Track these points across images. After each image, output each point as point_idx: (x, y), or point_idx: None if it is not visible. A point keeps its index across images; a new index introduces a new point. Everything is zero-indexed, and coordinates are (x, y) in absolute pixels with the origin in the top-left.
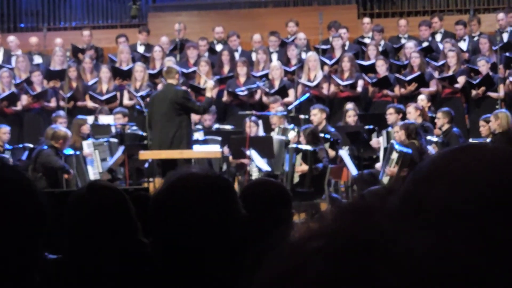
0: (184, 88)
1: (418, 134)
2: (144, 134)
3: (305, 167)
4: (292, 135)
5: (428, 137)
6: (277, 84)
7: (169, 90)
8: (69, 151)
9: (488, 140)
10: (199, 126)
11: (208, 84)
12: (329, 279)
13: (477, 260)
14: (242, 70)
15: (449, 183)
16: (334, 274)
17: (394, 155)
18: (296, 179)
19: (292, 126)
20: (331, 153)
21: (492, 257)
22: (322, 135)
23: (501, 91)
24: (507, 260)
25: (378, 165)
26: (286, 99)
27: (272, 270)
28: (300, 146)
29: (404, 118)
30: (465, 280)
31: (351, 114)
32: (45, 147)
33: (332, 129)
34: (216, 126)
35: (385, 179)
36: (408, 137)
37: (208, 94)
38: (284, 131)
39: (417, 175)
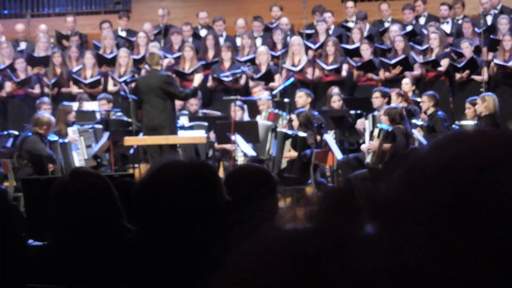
0: (167, 73)
1: (402, 118)
2: (129, 120)
3: (294, 154)
4: (284, 122)
5: (413, 121)
6: (263, 69)
7: (152, 75)
8: (53, 137)
9: (474, 122)
10: (185, 112)
11: (196, 76)
12: (288, 280)
13: (432, 267)
14: (226, 55)
15: (412, 181)
16: (291, 276)
17: (376, 131)
18: (284, 164)
19: (285, 113)
20: (317, 138)
21: (453, 264)
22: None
23: (485, 74)
24: (462, 267)
25: (364, 147)
26: (272, 84)
27: (234, 275)
28: (290, 132)
29: (389, 102)
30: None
31: (335, 99)
32: (30, 133)
33: (316, 113)
34: (202, 111)
35: (369, 156)
36: (392, 122)
37: (195, 84)
38: (276, 117)
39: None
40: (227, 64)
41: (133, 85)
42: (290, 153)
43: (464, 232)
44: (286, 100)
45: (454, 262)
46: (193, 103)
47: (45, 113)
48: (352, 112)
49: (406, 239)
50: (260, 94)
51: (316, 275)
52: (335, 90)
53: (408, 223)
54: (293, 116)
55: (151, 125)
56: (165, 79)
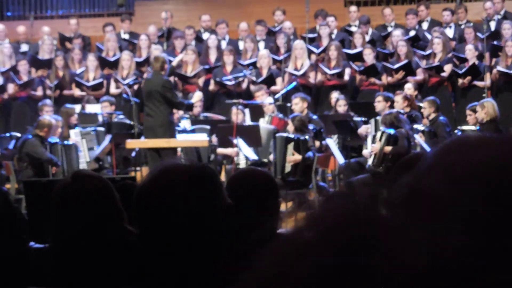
0: (168, 78)
1: (399, 121)
2: (131, 122)
3: (298, 157)
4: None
5: (415, 126)
6: (265, 73)
7: (154, 78)
8: (54, 139)
9: (477, 128)
10: (186, 115)
11: (196, 94)
12: (326, 273)
13: (476, 262)
14: (228, 59)
15: (453, 178)
16: (330, 268)
17: (378, 134)
18: (288, 168)
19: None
20: (316, 143)
21: (493, 260)
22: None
23: (488, 80)
24: (506, 261)
25: (365, 152)
26: (274, 88)
27: (267, 266)
28: (291, 135)
29: (392, 106)
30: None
31: (341, 104)
32: (30, 136)
33: (315, 117)
34: (204, 114)
35: (370, 159)
36: (391, 126)
37: (193, 100)
38: (282, 123)
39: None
40: (229, 67)
41: (135, 87)
42: (294, 157)
43: (503, 229)
44: (289, 105)
45: (491, 257)
46: (197, 105)
47: (45, 116)
48: (358, 119)
49: (445, 232)
50: (263, 98)
51: (356, 265)
52: (335, 94)
53: (448, 217)
54: (289, 121)
55: (148, 127)
56: (163, 83)
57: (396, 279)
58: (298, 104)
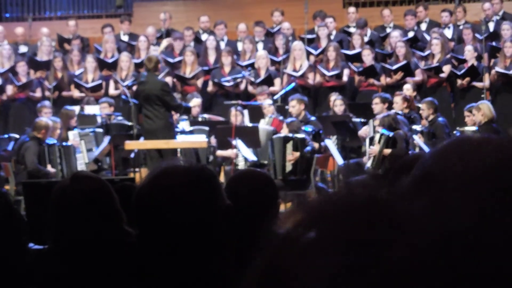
0: (165, 80)
1: (397, 123)
2: (130, 123)
3: (297, 154)
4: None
5: (414, 127)
6: (263, 74)
7: (150, 80)
8: (52, 141)
9: (475, 128)
10: (185, 117)
11: (194, 100)
12: (333, 274)
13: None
14: (226, 60)
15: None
16: (338, 268)
17: (377, 136)
18: (288, 167)
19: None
20: (315, 144)
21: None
22: (302, 128)
23: (486, 81)
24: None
25: (365, 158)
26: (272, 89)
27: (266, 267)
28: (289, 135)
29: (390, 107)
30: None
31: (338, 103)
32: (27, 139)
33: (313, 118)
34: (203, 115)
35: (369, 162)
36: (389, 128)
37: (191, 104)
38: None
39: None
40: (227, 68)
41: (134, 88)
42: (293, 156)
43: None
44: (287, 107)
45: (501, 231)
46: (196, 105)
47: (43, 117)
48: (357, 120)
49: (456, 210)
50: (265, 100)
51: (368, 246)
52: (338, 95)
53: (459, 197)
54: (284, 125)
55: (149, 130)
56: (162, 86)
57: (408, 272)
58: (295, 107)
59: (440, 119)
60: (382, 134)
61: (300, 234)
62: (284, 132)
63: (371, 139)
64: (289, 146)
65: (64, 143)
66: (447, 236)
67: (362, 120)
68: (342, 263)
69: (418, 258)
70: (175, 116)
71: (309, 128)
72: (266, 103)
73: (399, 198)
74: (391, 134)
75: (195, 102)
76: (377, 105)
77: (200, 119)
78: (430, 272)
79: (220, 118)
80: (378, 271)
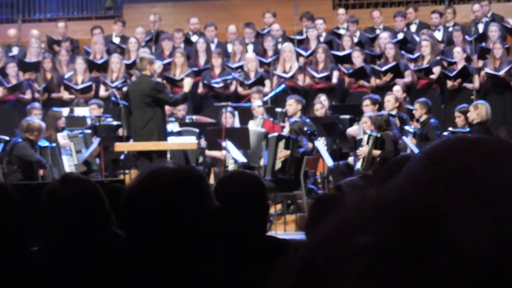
0: (156, 79)
1: (389, 124)
2: (119, 123)
3: (287, 152)
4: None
5: (406, 127)
6: (252, 76)
7: (142, 81)
8: (44, 143)
9: (467, 130)
10: (172, 118)
11: (186, 80)
12: (377, 251)
13: None
14: (217, 62)
15: None
16: (383, 247)
17: (364, 138)
18: (278, 165)
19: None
20: (309, 145)
21: None
22: (305, 128)
23: (476, 82)
24: None
25: (351, 159)
26: (264, 90)
27: (324, 231)
28: (283, 134)
29: (380, 109)
30: None
31: (318, 108)
32: (20, 140)
33: (308, 120)
34: (190, 117)
35: (359, 163)
36: (379, 129)
37: (186, 89)
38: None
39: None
40: (217, 70)
41: (124, 89)
42: (283, 153)
43: None
44: (278, 109)
45: None
46: (180, 108)
47: (35, 118)
48: (346, 116)
49: (508, 214)
50: (258, 101)
51: (413, 242)
52: (322, 97)
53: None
54: (286, 124)
55: (140, 132)
56: (154, 86)
57: (454, 264)
58: (292, 106)
59: (432, 120)
60: (370, 135)
61: (353, 235)
62: (286, 130)
63: (357, 142)
64: (281, 144)
65: (51, 145)
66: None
67: (350, 116)
68: (397, 275)
69: (468, 267)
70: (173, 110)
71: (305, 127)
72: (255, 104)
73: (459, 209)
74: (379, 135)
75: (188, 83)
76: (367, 107)
77: (187, 120)
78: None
79: (208, 119)
80: (425, 280)
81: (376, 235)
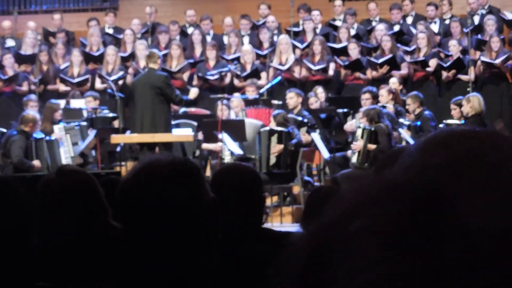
0: (165, 73)
1: (380, 117)
2: (116, 116)
3: (280, 146)
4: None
5: (401, 120)
6: (249, 68)
7: (150, 74)
8: (39, 135)
9: (462, 122)
10: None
11: (193, 90)
12: (385, 232)
13: None
14: (211, 54)
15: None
16: (391, 228)
17: (358, 132)
18: (272, 160)
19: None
20: (307, 137)
21: None
22: (299, 118)
23: (472, 74)
24: None
25: (349, 152)
26: (258, 82)
27: (324, 219)
28: (274, 128)
29: (378, 102)
30: None
31: (312, 101)
32: (15, 132)
33: (306, 113)
34: (184, 110)
35: (354, 157)
36: (371, 122)
37: (191, 97)
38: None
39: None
40: (212, 62)
41: (120, 82)
42: (277, 147)
43: None
44: (275, 102)
45: None
46: (195, 96)
47: (30, 110)
48: (340, 110)
49: None
50: (253, 93)
51: (421, 224)
52: (318, 90)
53: None
54: (271, 118)
55: (147, 124)
56: (164, 79)
57: (463, 246)
58: (293, 99)
59: (426, 112)
60: (364, 129)
61: (347, 221)
62: (272, 125)
63: (354, 133)
64: (274, 139)
65: (48, 137)
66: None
67: (346, 110)
68: (390, 257)
69: (477, 255)
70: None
71: (305, 119)
72: (251, 96)
73: (459, 186)
74: (372, 128)
75: (194, 93)
76: (367, 100)
77: (180, 112)
78: (489, 269)
79: (203, 111)
80: (428, 267)
81: (383, 217)
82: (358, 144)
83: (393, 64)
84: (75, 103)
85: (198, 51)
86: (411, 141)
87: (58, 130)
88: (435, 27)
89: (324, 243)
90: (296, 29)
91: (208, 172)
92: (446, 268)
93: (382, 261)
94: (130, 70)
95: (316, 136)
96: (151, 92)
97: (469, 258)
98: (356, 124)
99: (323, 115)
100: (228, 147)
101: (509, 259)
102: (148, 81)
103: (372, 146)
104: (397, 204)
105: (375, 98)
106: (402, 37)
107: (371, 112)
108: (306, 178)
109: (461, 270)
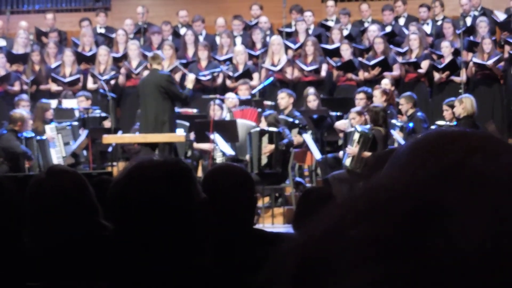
0: (168, 72)
1: (385, 120)
2: (106, 115)
3: (271, 146)
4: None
5: (393, 121)
6: (241, 69)
7: (154, 74)
8: (29, 134)
9: (454, 123)
10: None
11: (189, 77)
12: (378, 243)
13: None
14: (203, 54)
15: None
16: (383, 241)
17: (356, 136)
18: (264, 160)
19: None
20: (299, 138)
21: None
22: (290, 119)
23: (464, 75)
24: None
25: (341, 153)
26: (250, 83)
27: (319, 226)
28: (265, 128)
29: (372, 102)
30: None
31: (311, 99)
32: (5, 131)
33: (298, 114)
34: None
35: (348, 161)
36: (375, 123)
37: (190, 85)
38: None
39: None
40: (204, 63)
41: (112, 82)
42: (268, 147)
43: None
44: (267, 102)
45: None
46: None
47: (17, 109)
48: (333, 113)
49: (508, 210)
50: (246, 93)
51: (413, 237)
52: (311, 90)
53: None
54: (262, 118)
55: (152, 124)
56: (167, 77)
57: (450, 260)
58: (284, 99)
59: (419, 114)
60: (361, 134)
61: (346, 228)
62: (262, 125)
63: (347, 135)
64: (265, 139)
65: (39, 137)
66: (498, 242)
67: (339, 113)
68: (386, 268)
69: (467, 264)
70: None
71: (297, 120)
72: (243, 97)
73: (451, 201)
74: (370, 134)
75: (192, 80)
76: (361, 101)
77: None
78: (479, 277)
79: (193, 110)
80: (423, 276)
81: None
82: (353, 150)
83: (385, 65)
84: (67, 103)
85: (190, 51)
86: (403, 142)
87: (50, 130)
88: (427, 28)
89: (314, 256)
90: (288, 30)
91: (199, 173)
92: (437, 280)
93: (372, 272)
94: (122, 70)
95: (308, 137)
96: (155, 91)
97: (458, 271)
98: (348, 123)
99: (315, 116)
100: (220, 148)
101: (498, 271)
102: (152, 81)
103: (367, 154)
104: (389, 217)
105: (369, 98)
106: (394, 38)
107: (378, 110)
108: (298, 179)
109: (451, 282)
